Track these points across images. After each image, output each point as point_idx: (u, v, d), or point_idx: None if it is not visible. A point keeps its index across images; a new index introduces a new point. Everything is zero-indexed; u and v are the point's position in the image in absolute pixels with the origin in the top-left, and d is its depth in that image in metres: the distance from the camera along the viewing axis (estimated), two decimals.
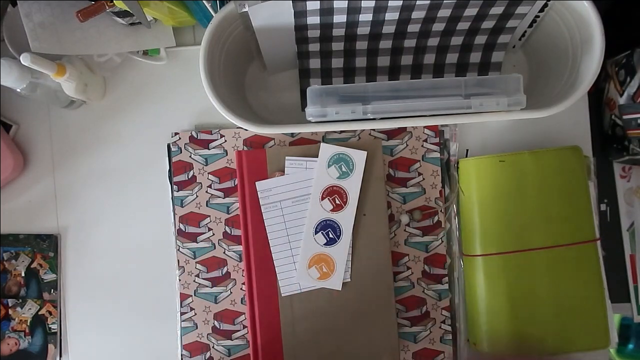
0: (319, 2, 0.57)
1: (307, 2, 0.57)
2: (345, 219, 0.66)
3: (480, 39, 0.66)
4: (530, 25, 0.66)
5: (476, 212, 0.66)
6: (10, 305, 0.71)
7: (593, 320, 0.64)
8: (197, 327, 0.68)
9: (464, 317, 0.68)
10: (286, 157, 0.67)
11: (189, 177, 0.69)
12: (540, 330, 0.63)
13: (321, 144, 0.67)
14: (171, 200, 0.70)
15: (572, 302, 0.63)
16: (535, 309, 0.63)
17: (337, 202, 0.66)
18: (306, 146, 0.68)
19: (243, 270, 0.68)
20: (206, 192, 0.69)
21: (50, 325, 0.71)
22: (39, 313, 0.71)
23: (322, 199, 0.66)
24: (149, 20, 0.63)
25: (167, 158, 0.70)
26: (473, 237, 0.66)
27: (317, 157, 0.67)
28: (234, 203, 0.69)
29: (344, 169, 0.66)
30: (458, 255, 0.69)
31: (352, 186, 0.66)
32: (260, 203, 0.67)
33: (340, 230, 0.66)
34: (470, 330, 0.67)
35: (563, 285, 0.64)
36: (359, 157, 0.67)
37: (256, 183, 0.67)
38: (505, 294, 0.64)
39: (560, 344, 0.63)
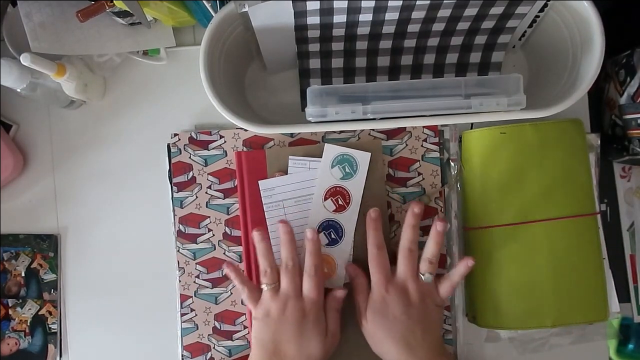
0: (319, 2, 0.57)
1: (307, 2, 0.57)
2: (348, 219, 0.66)
3: (480, 39, 0.66)
4: (530, 25, 0.66)
5: (478, 183, 0.66)
6: (10, 305, 0.71)
7: (591, 292, 0.64)
8: (197, 328, 0.68)
9: (463, 291, 0.69)
10: (289, 157, 0.67)
11: (189, 178, 0.69)
12: (539, 302, 0.64)
13: (325, 144, 0.67)
14: (171, 201, 0.70)
15: (571, 275, 0.64)
16: (535, 281, 0.64)
17: (340, 202, 0.66)
18: (306, 146, 0.68)
19: (243, 270, 0.68)
20: (206, 193, 0.69)
21: (50, 325, 0.71)
22: (39, 313, 0.71)
23: (325, 199, 0.66)
24: (149, 20, 0.63)
25: (167, 158, 0.70)
26: (475, 209, 0.67)
27: (318, 157, 0.67)
28: (233, 204, 0.69)
29: (347, 170, 0.66)
30: (459, 228, 0.69)
31: (356, 187, 0.66)
32: (263, 202, 0.67)
33: (342, 230, 0.66)
34: (469, 304, 0.68)
35: (562, 257, 0.64)
36: (363, 158, 0.67)
37: (259, 182, 0.67)
38: (504, 266, 0.65)
39: (559, 316, 0.64)
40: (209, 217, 0.69)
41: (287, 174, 0.67)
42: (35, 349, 0.71)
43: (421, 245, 0.68)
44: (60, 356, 0.71)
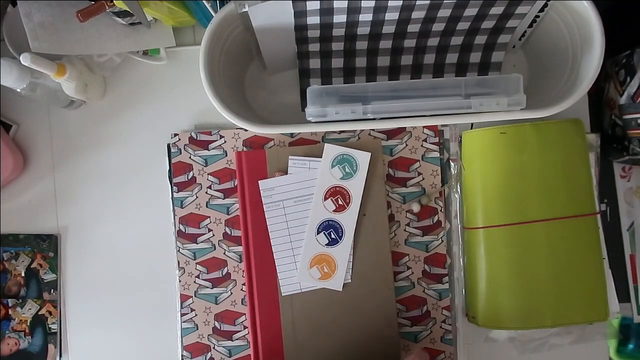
0: (319, 2, 0.57)
1: (307, 2, 0.57)
2: (348, 219, 0.66)
3: (480, 39, 0.66)
4: (530, 25, 0.66)
5: (478, 183, 0.66)
6: (10, 305, 0.71)
7: (591, 292, 0.64)
8: (197, 328, 0.68)
9: (463, 291, 0.69)
10: (289, 157, 0.67)
11: (189, 178, 0.69)
12: (539, 302, 0.64)
13: (325, 144, 0.67)
14: (171, 201, 0.70)
15: (571, 275, 0.64)
16: (535, 281, 0.64)
17: (340, 202, 0.66)
18: (306, 146, 0.68)
19: (243, 270, 0.68)
20: (206, 193, 0.69)
21: (50, 325, 0.71)
22: (39, 313, 0.71)
23: (325, 199, 0.66)
24: (149, 20, 0.63)
25: (167, 158, 0.70)
26: (475, 209, 0.67)
27: (318, 157, 0.67)
28: (233, 204, 0.69)
29: (347, 170, 0.66)
30: (459, 228, 0.69)
31: (355, 187, 0.66)
32: (263, 202, 0.67)
33: (342, 230, 0.66)
34: (469, 304, 0.68)
35: (562, 257, 0.64)
36: (362, 158, 0.67)
37: (259, 182, 0.67)
38: (505, 266, 0.65)
39: (559, 316, 0.64)
40: (209, 217, 0.69)
41: (287, 174, 0.67)
42: (35, 349, 0.71)
43: (420, 246, 0.68)
44: (60, 356, 0.71)
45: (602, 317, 0.64)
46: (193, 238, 0.69)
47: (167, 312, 0.70)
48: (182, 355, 0.68)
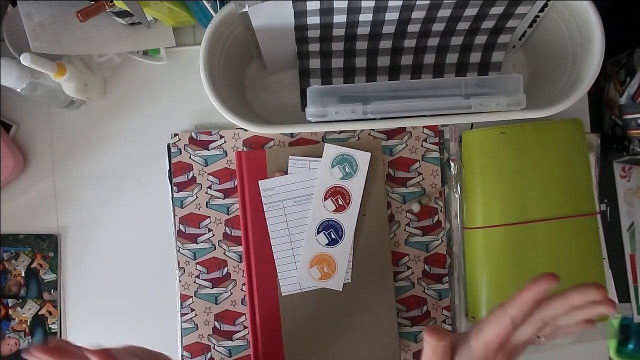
0: (319, 2, 0.57)
1: (307, 2, 0.57)
2: (348, 219, 0.66)
3: (480, 39, 0.66)
4: (530, 25, 0.66)
5: (478, 183, 0.67)
6: (10, 305, 0.71)
7: None
8: (197, 328, 0.68)
9: (463, 291, 0.69)
10: (290, 157, 0.67)
11: (189, 178, 0.69)
12: None
13: (325, 144, 0.67)
14: (171, 201, 0.70)
15: (571, 275, 0.64)
16: None
17: (340, 202, 0.66)
18: (306, 146, 0.68)
19: (243, 270, 0.68)
20: (206, 193, 0.69)
21: (50, 325, 0.71)
22: (39, 313, 0.71)
23: (325, 199, 0.66)
24: (149, 20, 0.63)
25: (167, 158, 0.70)
26: (475, 209, 0.67)
27: (318, 157, 0.67)
28: (234, 204, 0.69)
29: (347, 170, 0.66)
30: (459, 228, 0.69)
31: (355, 187, 0.66)
32: (263, 202, 0.67)
33: (342, 230, 0.66)
34: (470, 304, 0.68)
35: (562, 257, 0.64)
36: (363, 158, 0.67)
37: (259, 182, 0.67)
38: (505, 266, 0.65)
39: None
40: (209, 217, 0.69)
41: (287, 174, 0.67)
42: None
43: (420, 246, 0.68)
44: None
45: (602, 317, 0.64)
46: (193, 238, 0.69)
47: (167, 312, 0.70)
48: (182, 355, 0.68)
